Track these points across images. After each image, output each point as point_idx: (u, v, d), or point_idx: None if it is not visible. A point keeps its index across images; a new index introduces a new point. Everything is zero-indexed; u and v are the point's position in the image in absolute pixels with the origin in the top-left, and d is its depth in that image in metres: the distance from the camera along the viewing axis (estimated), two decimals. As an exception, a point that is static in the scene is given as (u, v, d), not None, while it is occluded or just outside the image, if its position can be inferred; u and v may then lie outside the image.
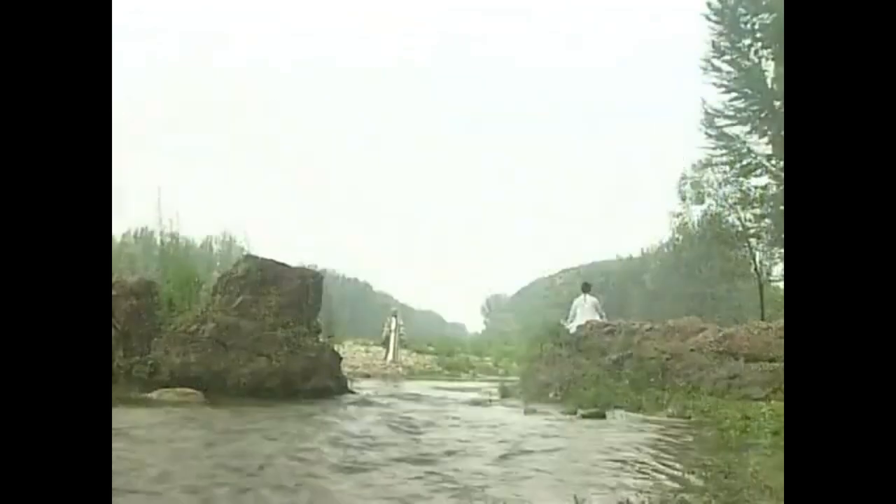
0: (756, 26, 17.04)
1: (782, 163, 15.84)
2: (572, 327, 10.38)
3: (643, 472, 3.35)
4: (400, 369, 14.85)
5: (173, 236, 8.24)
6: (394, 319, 16.64)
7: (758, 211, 18.00)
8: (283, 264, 7.46)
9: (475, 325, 72.91)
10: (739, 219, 18.45)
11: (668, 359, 7.85)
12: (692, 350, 7.92)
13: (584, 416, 5.90)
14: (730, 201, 18.47)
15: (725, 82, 17.63)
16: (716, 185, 18.63)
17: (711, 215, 19.30)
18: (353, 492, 2.77)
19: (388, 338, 16.52)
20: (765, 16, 16.78)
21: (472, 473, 3.18)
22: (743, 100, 17.45)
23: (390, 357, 16.05)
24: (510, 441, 4.31)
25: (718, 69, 17.68)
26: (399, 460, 3.47)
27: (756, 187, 17.94)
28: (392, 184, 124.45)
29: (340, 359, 7.80)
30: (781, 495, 2.55)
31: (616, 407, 6.55)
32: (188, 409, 5.30)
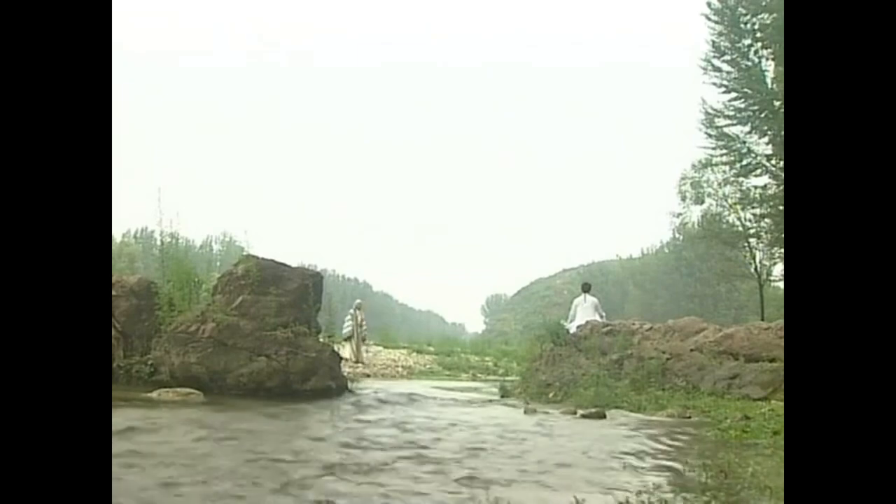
0: (756, 26, 17.01)
1: (782, 163, 15.83)
2: (572, 327, 10.35)
3: (642, 472, 3.35)
4: (361, 368, 12.66)
5: (173, 236, 8.24)
6: (357, 313, 14.16)
7: (758, 211, 17.99)
8: (283, 264, 7.45)
9: (475, 325, 73.06)
10: (739, 219, 18.46)
11: (668, 359, 7.85)
12: (692, 350, 7.91)
13: (583, 416, 5.90)
14: (730, 201, 18.49)
15: (725, 82, 17.59)
16: (716, 185, 18.67)
17: (711, 215, 19.33)
18: (352, 491, 2.77)
19: (349, 334, 13.88)
20: (765, 16, 16.75)
21: (469, 470, 3.18)
22: (743, 100, 17.41)
23: (352, 355, 13.42)
24: (508, 440, 4.31)
25: (718, 69, 17.65)
26: (397, 460, 3.47)
27: (756, 187, 17.94)
28: (392, 184, 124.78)
29: (340, 359, 7.79)
30: (781, 495, 2.55)
31: (616, 407, 6.55)
32: (188, 409, 5.30)
